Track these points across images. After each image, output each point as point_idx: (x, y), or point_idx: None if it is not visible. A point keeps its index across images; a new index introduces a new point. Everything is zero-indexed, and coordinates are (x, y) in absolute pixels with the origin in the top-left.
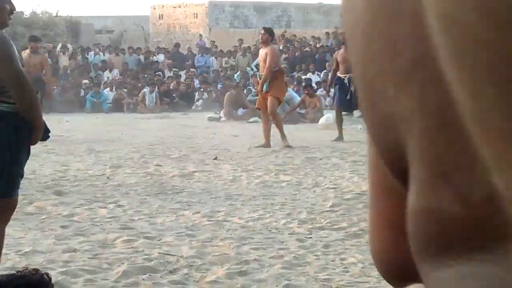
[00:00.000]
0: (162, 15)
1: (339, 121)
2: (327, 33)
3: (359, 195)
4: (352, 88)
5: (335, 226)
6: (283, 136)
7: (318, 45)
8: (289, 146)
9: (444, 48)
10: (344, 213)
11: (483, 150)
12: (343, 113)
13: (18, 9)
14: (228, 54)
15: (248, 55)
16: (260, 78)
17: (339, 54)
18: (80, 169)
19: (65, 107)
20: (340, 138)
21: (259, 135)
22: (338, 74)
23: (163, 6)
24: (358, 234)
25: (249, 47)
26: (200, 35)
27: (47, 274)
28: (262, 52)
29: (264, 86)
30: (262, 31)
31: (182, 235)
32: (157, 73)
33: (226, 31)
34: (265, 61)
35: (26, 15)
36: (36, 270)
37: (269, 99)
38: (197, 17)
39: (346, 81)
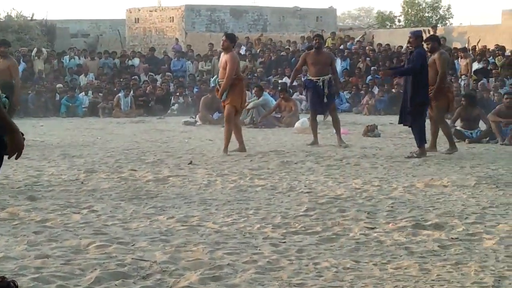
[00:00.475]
0: (138, 19)
1: (314, 125)
2: (303, 37)
3: (333, 199)
4: (326, 91)
5: (309, 231)
6: (226, 146)
7: (294, 49)
8: (227, 155)
9: None
10: (318, 217)
11: None
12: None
13: None
14: (205, 58)
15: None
16: (219, 85)
17: (309, 56)
18: (54, 174)
19: (40, 112)
20: (315, 142)
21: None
22: (309, 76)
23: (139, 10)
24: (332, 238)
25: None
26: (176, 39)
27: (13, 282)
28: (223, 58)
29: (224, 94)
30: (224, 37)
31: (156, 240)
32: (133, 77)
33: (202, 35)
34: (225, 68)
35: (1, 18)
36: (3, 278)
37: (226, 107)
38: (173, 21)
39: (319, 83)
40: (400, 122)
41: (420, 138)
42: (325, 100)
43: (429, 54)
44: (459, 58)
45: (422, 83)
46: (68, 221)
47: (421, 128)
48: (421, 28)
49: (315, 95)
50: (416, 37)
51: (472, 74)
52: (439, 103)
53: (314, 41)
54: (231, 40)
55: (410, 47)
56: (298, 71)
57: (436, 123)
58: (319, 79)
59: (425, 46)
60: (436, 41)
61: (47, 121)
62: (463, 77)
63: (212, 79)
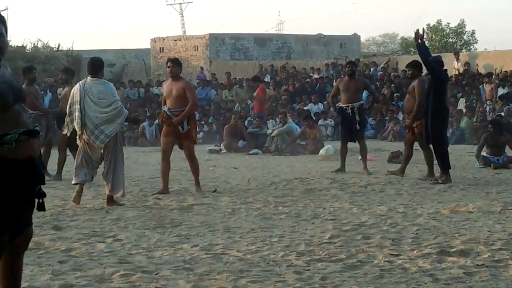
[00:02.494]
0: (163, 48)
1: (343, 152)
2: (327, 65)
3: (358, 226)
4: (357, 117)
5: (333, 258)
6: (197, 180)
7: (318, 76)
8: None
9: None
10: (343, 244)
11: None
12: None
13: (19, 44)
14: (228, 87)
15: (245, 86)
16: (171, 114)
17: (342, 83)
18: (79, 204)
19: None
20: (341, 169)
21: (259, 167)
22: (340, 104)
23: (163, 39)
24: (356, 265)
25: (247, 79)
26: (201, 67)
27: None
28: (173, 86)
29: (185, 125)
30: (170, 63)
31: (180, 269)
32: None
33: (226, 63)
34: (178, 96)
35: (27, 50)
36: None
37: (188, 143)
38: (197, 49)
39: (348, 111)
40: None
41: (443, 164)
42: (358, 127)
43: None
44: (484, 84)
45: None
46: (92, 250)
47: (443, 153)
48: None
49: (344, 122)
50: (414, 67)
51: (498, 99)
52: (419, 130)
53: (346, 68)
54: (179, 66)
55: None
56: (333, 97)
57: (413, 147)
58: (348, 106)
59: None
60: (416, 68)
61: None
62: (488, 102)
63: (235, 107)
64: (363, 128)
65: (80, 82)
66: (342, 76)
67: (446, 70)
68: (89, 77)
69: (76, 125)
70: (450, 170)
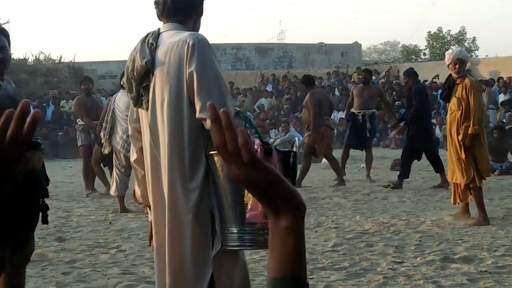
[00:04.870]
0: None
1: (345, 158)
2: (328, 73)
3: (361, 234)
4: (368, 125)
5: (337, 266)
6: None
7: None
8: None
9: None
10: (346, 252)
11: None
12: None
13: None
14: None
15: (249, 96)
16: None
17: (356, 89)
18: (83, 215)
19: (69, 153)
20: (340, 173)
21: None
22: (352, 109)
23: None
24: (359, 273)
25: (250, 88)
26: None
27: None
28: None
29: None
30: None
31: None
32: None
33: (228, 73)
34: None
35: (29, 62)
36: None
37: None
38: None
39: (360, 117)
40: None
41: (437, 166)
42: (368, 134)
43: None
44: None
45: (426, 115)
46: (96, 261)
47: (434, 156)
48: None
49: (353, 128)
50: (409, 75)
51: (499, 105)
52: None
53: (361, 76)
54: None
55: (408, 85)
56: (350, 105)
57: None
58: (360, 112)
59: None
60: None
61: (76, 162)
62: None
63: None
64: (372, 137)
65: (114, 95)
66: (345, 85)
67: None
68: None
69: (105, 136)
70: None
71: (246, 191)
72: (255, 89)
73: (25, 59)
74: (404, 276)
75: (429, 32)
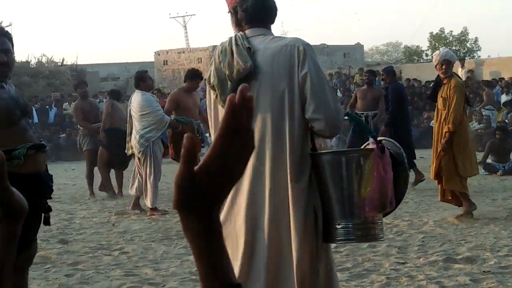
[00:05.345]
0: (166, 61)
1: None
2: (331, 74)
3: None
4: (371, 127)
5: (340, 267)
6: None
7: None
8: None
9: None
10: (349, 253)
11: None
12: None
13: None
14: None
15: None
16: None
17: (359, 91)
18: (86, 217)
19: (71, 155)
20: None
21: None
22: (356, 110)
23: (167, 52)
24: (362, 274)
25: None
26: (205, 79)
27: None
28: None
29: None
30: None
31: (187, 280)
32: None
33: None
34: None
35: (32, 65)
36: None
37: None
38: (201, 61)
39: (363, 118)
40: None
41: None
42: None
43: None
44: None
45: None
46: (99, 263)
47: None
48: None
49: (356, 128)
50: (388, 73)
51: (502, 106)
52: None
53: (365, 77)
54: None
55: (385, 83)
56: (352, 107)
57: None
58: (363, 114)
59: None
60: None
61: (79, 165)
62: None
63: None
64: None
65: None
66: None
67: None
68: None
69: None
70: None
71: (363, 186)
72: None
73: (27, 62)
74: (407, 277)
75: (431, 32)
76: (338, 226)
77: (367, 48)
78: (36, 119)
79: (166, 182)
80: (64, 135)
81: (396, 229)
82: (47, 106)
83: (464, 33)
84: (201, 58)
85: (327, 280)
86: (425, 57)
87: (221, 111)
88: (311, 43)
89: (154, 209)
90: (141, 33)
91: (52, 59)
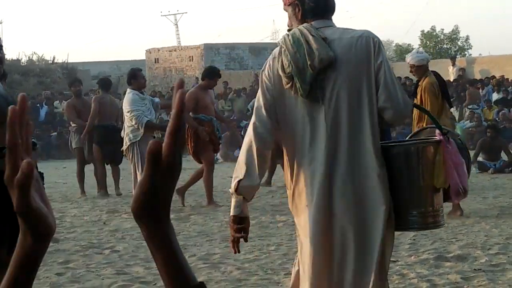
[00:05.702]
0: (158, 59)
1: None
2: None
3: None
4: None
5: None
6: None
7: None
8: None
9: None
10: None
11: None
12: None
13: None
14: (225, 97)
15: (243, 96)
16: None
17: None
18: (77, 216)
19: (62, 154)
20: None
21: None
22: None
23: (158, 50)
24: None
25: (244, 88)
26: (196, 77)
27: None
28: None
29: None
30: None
31: None
32: (159, 116)
33: (221, 73)
34: None
35: (23, 63)
36: None
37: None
38: (192, 60)
39: None
40: None
41: None
42: None
43: None
44: (480, 89)
45: None
46: (90, 261)
47: None
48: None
49: None
50: None
51: (493, 104)
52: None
53: None
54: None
55: None
56: None
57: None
58: None
59: None
60: None
61: (70, 163)
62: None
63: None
64: None
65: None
66: None
67: None
68: None
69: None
70: None
71: (435, 176)
72: (249, 89)
73: (18, 60)
74: (398, 275)
75: (423, 31)
76: (409, 215)
77: None
78: None
79: None
80: (55, 133)
81: None
82: (38, 104)
83: (455, 31)
84: (192, 56)
85: (389, 258)
86: None
87: (294, 98)
88: None
89: None
90: (133, 31)
91: (43, 57)
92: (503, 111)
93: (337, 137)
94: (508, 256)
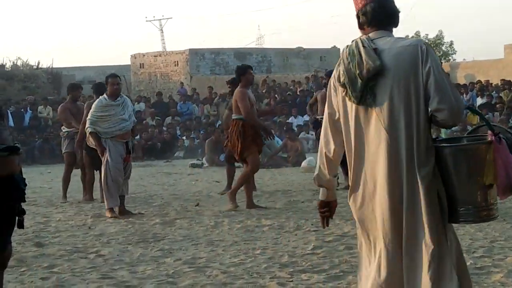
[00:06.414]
0: (143, 64)
1: None
2: (307, 77)
3: (340, 237)
4: None
5: (317, 269)
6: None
7: (299, 89)
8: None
9: None
10: (326, 255)
11: None
12: None
13: None
14: (210, 101)
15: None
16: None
17: (319, 94)
18: (61, 220)
19: (47, 158)
20: None
21: None
22: (317, 116)
23: (143, 55)
24: (339, 276)
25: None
26: (181, 83)
27: None
28: None
29: None
30: None
31: (163, 283)
32: (144, 122)
33: (207, 78)
34: None
35: (7, 68)
36: None
37: None
38: (177, 65)
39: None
40: None
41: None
42: None
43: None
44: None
45: None
46: (75, 266)
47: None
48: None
49: (318, 134)
50: (328, 76)
51: (477, 109)
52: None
53: (324, 80)
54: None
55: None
56: (311, 105)
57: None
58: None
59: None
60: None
61: (54, 168)
62: None
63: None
64: None
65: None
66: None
67: None
68: None
69: None
70: None
71: (486, 174)
72: None
73: (2, 65)
74: None
75: (407, 36)
76: (460, 209)
77: None
78: (11, 123)
79: (142, 185)
80: (41, 139)
81: None
82: (22, 110)
83: (440, 36)
84: (177, 61)
85: (457, 251)
86: None
87: (350, 105)
88: (287, 46)
89: (110, 210)
90: (118, 36)
91: (27, 62)
92: (487, 116)
93: (390, 140)
94: (493, 259)
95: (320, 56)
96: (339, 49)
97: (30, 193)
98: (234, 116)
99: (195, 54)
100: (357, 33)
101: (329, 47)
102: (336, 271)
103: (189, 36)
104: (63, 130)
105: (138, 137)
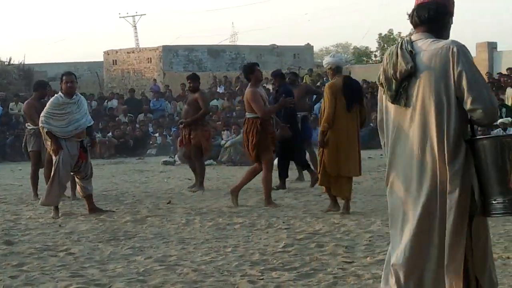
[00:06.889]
0: (116, 60)
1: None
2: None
3: (311, 235)
4: (299, 126)
5: (287, 267)
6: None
7: (272, 87)
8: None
9: None
10: (297, 253)
11: None
12: None
13: None
14: (183, 99)
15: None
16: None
17: (295, 92)
18: (32, 218)
19: (18, 155)
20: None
21: (214, 177)
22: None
23: (116, 52)
24: (310, 273)
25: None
26: (154, 79)
27: None
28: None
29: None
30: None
31: (133, 281)
32: (117, 118)
33: (180, 75)
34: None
35: None
36: None
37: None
38: (151, 62)
39: (298, 119)
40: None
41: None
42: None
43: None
44: None
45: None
46: (45, 264)
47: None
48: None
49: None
50: (276, 76)
51: None
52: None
53: (288, 78)
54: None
55: (274, 87)
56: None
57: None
58: (299, 115)
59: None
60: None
61: (25, 165)
62: None
63: None
64: (309, 137)
65: None
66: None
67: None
68: None
69: None
70: None
71: None
72: (208, 91)
73: None
74: (354, 276)
75: (380, 34)
76: (494, 202)
77: (317, 49)
78: None
79: (114, 183)
80: (12, 136)
81: (344, 229)
82: None
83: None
84: (150, 58)
85: (485, 245)
86: (374, 58)
87: (388, 103)
88: (261, 44)
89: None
90: (91, 33)
91: None
92: None
93: (421, 136)
94: None
95: (294, 53)
96: (312, 46)
97: (0, 190)
98: (248, 115)
99: (169, 51)
100: (331, 31)
101: (303, 44)
102: (306, 269)
103: (163, 33)
104: (29, 128)
105: (110, 133)
